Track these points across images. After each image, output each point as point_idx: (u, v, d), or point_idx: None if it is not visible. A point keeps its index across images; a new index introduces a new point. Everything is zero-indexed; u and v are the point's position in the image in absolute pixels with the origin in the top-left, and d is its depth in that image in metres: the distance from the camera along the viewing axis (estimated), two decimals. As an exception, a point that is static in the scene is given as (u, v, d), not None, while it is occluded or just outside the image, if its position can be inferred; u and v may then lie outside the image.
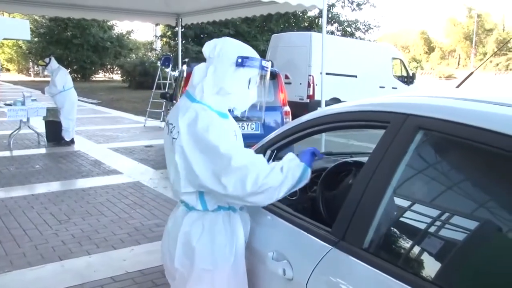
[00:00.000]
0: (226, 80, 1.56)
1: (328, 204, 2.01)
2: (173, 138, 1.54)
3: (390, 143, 1.38)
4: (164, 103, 10.09)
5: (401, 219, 1.36)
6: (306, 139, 1.86)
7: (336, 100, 11.46)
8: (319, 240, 1.50)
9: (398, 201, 1.35)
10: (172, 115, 1.63)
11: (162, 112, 10.50)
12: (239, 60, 1.55)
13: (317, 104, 8.75)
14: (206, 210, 1.61)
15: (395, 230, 1.36)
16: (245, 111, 1.64)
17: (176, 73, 13.92)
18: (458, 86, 1.79)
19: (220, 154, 1.45)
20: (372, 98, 1.70)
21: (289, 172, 1.55)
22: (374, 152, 1.44)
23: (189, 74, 5.86)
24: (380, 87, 12.24)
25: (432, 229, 1.24)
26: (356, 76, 11.79)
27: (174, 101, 6.44)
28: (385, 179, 1.34)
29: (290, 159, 1.60)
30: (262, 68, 1.59)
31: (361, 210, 1.38)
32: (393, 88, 12.56)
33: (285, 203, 1.91)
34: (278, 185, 1.50)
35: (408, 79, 13.09)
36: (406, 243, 1.31)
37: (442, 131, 1.27)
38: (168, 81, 11.28)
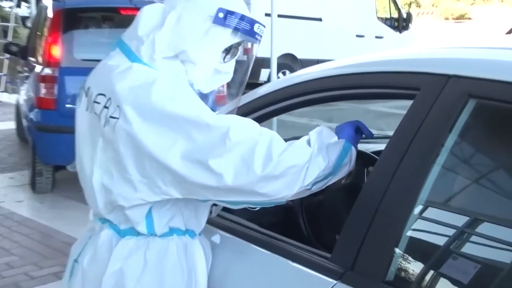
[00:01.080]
0: (193, 40, 1.56)
1: (313, 215, 2.08)
2: (111, 117, 1.52)
3: (422, 121, 1.42)
4: (5, 61, 9.63)
5: (442, 236, 1.41)
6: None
7: (290, 58, 11.66)
8: (313, 272, 1.52)
9: (438, 209, 1.43)
10: (99, 80, 1.62)
11: (4, 77, 10.08)
12: (220, 15, 1.55)
13: (261, 64, 8.83)
14: (151, 234, 1.62)
15: (433, 252, 1.41)
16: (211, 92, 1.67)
17: (24, 12, 13.31)
18: (510, 32, 1.91)
19: (205, 126, 1.46)
20: (385, 53, 1.76)
21: (321, 149, 1.57)
22: (396, 136, 1.49)
23: (56, 15, 5.62)
24: (358, 36, 12.63)
25: (496, 253, 1.31)
26: (320, 20, 12.07)
27: (31, 59, 6.17)
28: (417, 177, 1.38)
29: (320, 132, 1.62)
30: (253, 34, 1.60)
31: (379, 225, 1.42)
32: (376, 37, 12.97)
33: (245, 217, 1.99)
34: (303, 164, 1.52)
35: (400, 23, 13.47)
36: (450, 272, 1.34)
37: (508, 101, 1.31)
38: (11, 24, 10.75)
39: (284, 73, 11.50)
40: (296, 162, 1.51)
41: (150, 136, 1.46)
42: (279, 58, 9.21)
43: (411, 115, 1.48)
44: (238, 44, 1.62)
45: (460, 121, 1.38)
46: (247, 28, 1.58)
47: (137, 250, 1.61)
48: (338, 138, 1.64)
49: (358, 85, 1.71)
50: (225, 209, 1.91)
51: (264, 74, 10.25)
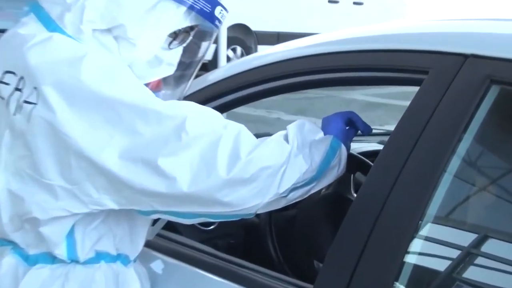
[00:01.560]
0: (134, 14, 1.56)
1: (284, 235, 2.10)
2: (25, 102, 1.49)
3: (431, 113, 1.43)
4: None
5: (458, 264, 1.40)
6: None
7: (242, 30, 11.60)
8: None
9: (452, 229, 1.44)
10: (6, 54, 1.60)
11: None
12: None
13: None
14: (72, 260, 1.59)
15: (445, 285, 1.42)
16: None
17: None
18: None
19: (154, 115, 1.46)
20: (380, 26, 1.81)
21: (303, 148, 1.59)
22: (398, 133, 1.50)
23: None
24: (330, 1, 12.71)
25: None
26: None
27: None
28: (425, 187, 1.39)
29: (301, 126, 1.64)
30: (212, 19, 1.63)
31: (376, 248, 1.41)
32: (355, 3, 13.10)
33: (196, 237, 2.05)
34: (279, 165, 1.53)
35: None
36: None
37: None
38: None
39: (234, 50, 11.46)
40: (270, 162, 1.52)
41: (79, 127, 1.44)
42: (228, 30, 9.16)
43: (417, 106, 1.48)
44: (191, 28, 1.63)
45: (480, 113, 1.38)
46: (207, 10, 1.60)
47: (53, 282, 1.58)
48: (325, 134, 1.66)
49: (345, 67, 1.72)
50: (168, 227, 1.92)
51: (209, 51, 10.18)
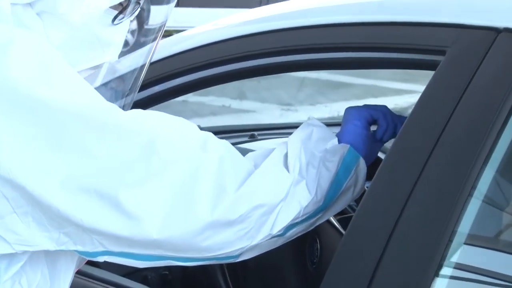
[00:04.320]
0: None
1: (239, 269, 2.13)
2: None
3: (454, 106, 1.39)
4: None
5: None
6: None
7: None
8: None
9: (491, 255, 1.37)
10: None
11: None
12: None
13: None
14: None
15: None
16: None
17: None
18: None
19: (114, 130, 1.38)
20: None
21: (308, 170, 1.55)
22: (408, 132, 1.48)
23: None
24: None
25: None
26: None
27: None
28: (449, 202, 1.35)
29: (306, 137, 1.61)
30: None
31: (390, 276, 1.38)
32: None
33: (118, 271, 2.04)
34: (276, 203, 1.49)
35: None
36: None
37: None
38: None
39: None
40: (265, 199, 1.48)
41: (6, 142, 1.34)
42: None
43: (431, 98, 1.47)
44: None
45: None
46: None
47: None
48: (339, 140, 1.62)
49: (331, 46, 1.72)
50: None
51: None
